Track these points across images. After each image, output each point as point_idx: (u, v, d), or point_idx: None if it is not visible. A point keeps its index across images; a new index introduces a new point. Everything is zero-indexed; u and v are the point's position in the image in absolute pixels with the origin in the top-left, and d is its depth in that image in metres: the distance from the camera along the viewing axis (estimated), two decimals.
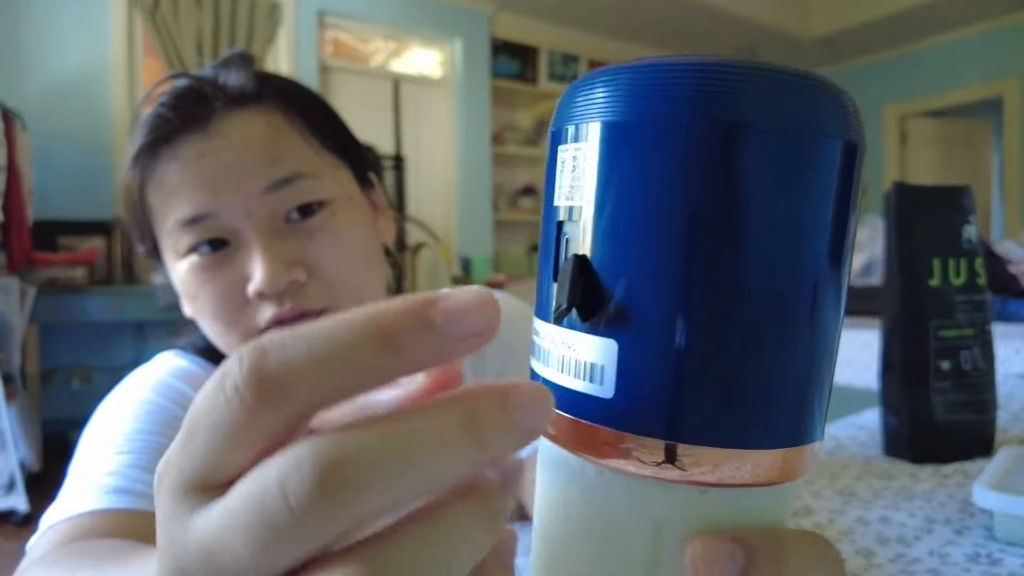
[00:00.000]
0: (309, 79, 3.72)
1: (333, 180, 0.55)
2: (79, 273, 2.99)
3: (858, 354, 1.37)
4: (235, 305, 0.52)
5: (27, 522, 2.28)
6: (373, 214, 0.60)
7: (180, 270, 0.53)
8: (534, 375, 0.21)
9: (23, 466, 2.40)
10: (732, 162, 0.17)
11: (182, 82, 0.55)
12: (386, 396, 0.17)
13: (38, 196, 2.91)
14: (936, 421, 0.65)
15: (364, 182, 0.60)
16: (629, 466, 0.18)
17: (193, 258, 0.52)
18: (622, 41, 5.05)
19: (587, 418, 0.19)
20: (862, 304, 1.28)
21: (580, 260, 0.19)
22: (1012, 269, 1.65)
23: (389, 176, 3.97)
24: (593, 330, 0.18)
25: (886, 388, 0.69)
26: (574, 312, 0.19)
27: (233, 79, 0.54)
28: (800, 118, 0.17)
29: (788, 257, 0.18)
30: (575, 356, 0.19)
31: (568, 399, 0.19)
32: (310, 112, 0.56)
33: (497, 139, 4.70)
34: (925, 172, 5.26)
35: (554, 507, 0.20)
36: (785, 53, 5.21)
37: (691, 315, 0.17)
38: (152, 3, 3.41)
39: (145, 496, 0.47)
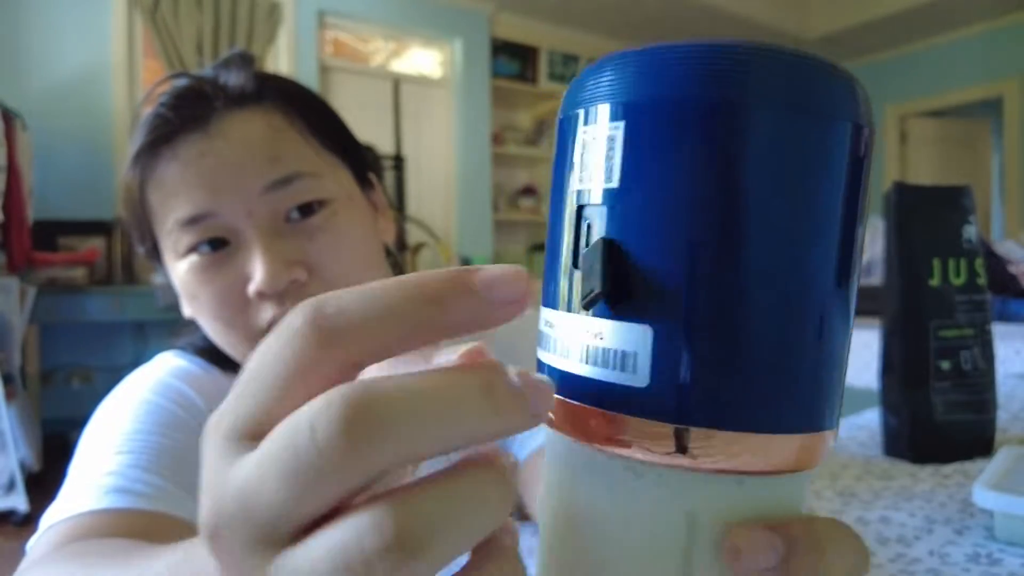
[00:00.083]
0: (309, 79, 3.72)
1: (333, 180, 0.55)
2: (79, 273, 2.99)
3: (858, 354, 1.37)
4: (235, 305, 0.52)
5: (27, 522, 2.28)
6: (373, 214, 0.60)
7: (180, 270, 0.53)
8: (545, 368, 0.20)
9: (23, 466, 2.40)
10: (771, 142, 0.17)
11: (182, 82, 0.55)
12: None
13: (38, 196, 2.91)
14: (936, 421, 0.65)
15: (364, 182, 0.60)
16: (663, 458, 0.18)
17: (193, 258, 0.52)
18: (622, 41, 5.05)
19: (616, 409, 0.18)
20: (862, 304, 1.28)
21: (610, 244, 0.18)
22: (1012, 269, 1.65)
23: (389, 176, 3.97)
24: (624, 316, 0.18)
25: (886, 388, 0.69)
26: (587, 301, 0.18)
27: (233, 79, 0.54)
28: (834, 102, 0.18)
29: (818, 234, 0.18)
30: (602, 345, 0.18)
31: (592, 391, 0.18)
32: (310, 112, 0.56)
33: (497, 139, 4.70)
34: (925, 172, 5.26)
35: (573, 507, 0.19)
36: None
37: (731, 296, 0.17)
38: (152, 3, 3.41)
39: (145, 496, 0.47)
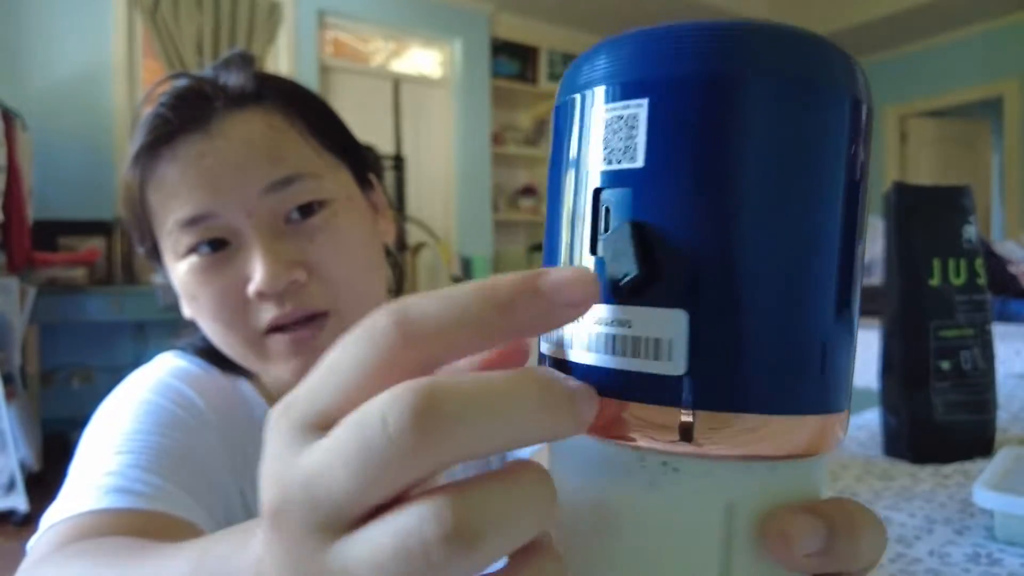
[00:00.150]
0: (309, 79, 3.72)
1: (333, 180, 0.55)
2: (79, 273, 2.99)
3: (858, 354, 1.37)
4: (235, 306, 0.52)
5: (27, 522, 2.28)
6: (373, 215, 0.60)
7: (180, 271, 0.53)
8: (547, 361, 0.20)
9: (23, 466, 2.40)
10: (797, 117, 0.17)
11: (182, 82, 0.55)
12: (463, 361, 0.20)
13: (38, 196, 2.91)
14: (936, 421, 0.65)
15: (364, 183, 0.60)
16: (705, 448, 0.17)
17: (193, 259, 0.52)
18: None
19: (651, 400, 0.17)
20: (862, 304, 1.28)
21: (639, 227, 0.17)
22: (1012, 269, 1.65)
23: (389, 176, 3.97)
24: (654, 302, 0.17)
25: (886, 388, 0.69)
26: (622, 286, 0.17)
27: (233, 79, 0.54)
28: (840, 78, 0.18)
29: (836, 207, 0.18)
30: (631, 333, 0.17)
31: (619, 384, 0.17)
32: (310, 112, 0.56)
33: (497, 139, 4.70)
34: (925, 172, 5.26)
35: (600, 511, 0.18)
36: None
37: (764, 274, 0.17)
38: (152, 4, 3.40)
39: (144, 496, 0.47)
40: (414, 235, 4.04)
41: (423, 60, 4.47)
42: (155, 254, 0.57)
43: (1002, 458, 0.53)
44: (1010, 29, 4.76)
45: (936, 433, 0.65)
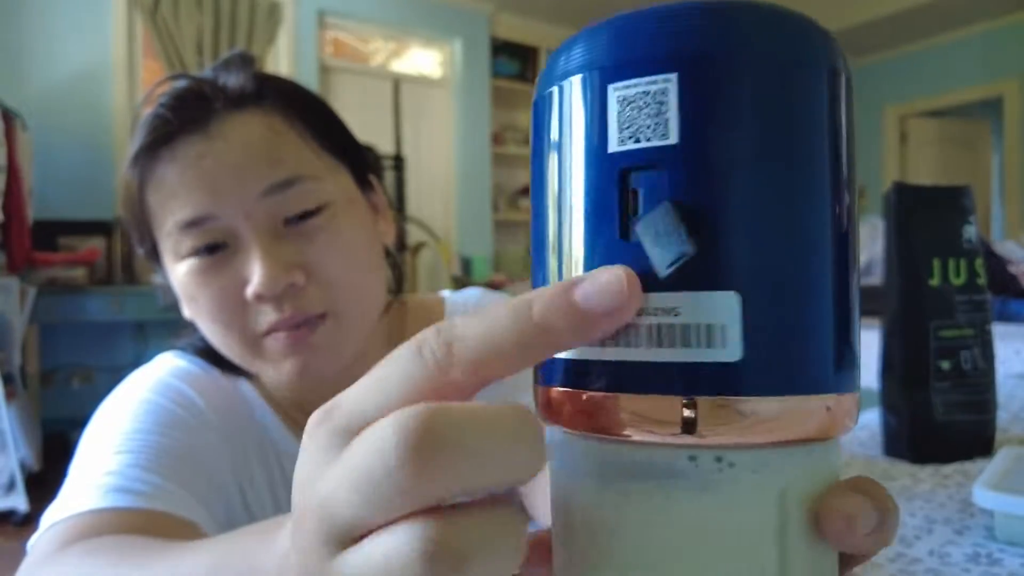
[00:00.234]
0: (309, 79, 3.72)
1: (333, 182, 0.55)
2: (79, 273, 2.99)
3: None
4: (234, 308, 0.52)
5: (27, 522, 2.28)
6: (373, 216, 0.60)
7: (179, 272, 0.53)
8: (561, 365, 0.18)
9: (23, 466, 2.40)
10: (832, 96, 0.17)
11: (182, 83, 0.55)
12: None
13: (38, 196, 2.91)
14: (936, 421, 0.65)
15: (364, 184, 0.60)
16: (762, 435, 0.16)
17: (192, 260, 0.52)
18: None
19: (705, 392, 0.16)
20: (862, 304, 1.28)
21: (679, 207, 0.16)
22: (1012, 269, 1.65)
23: (389, 176, 3.97)
24: (703, 284, 0.16)
25: (886, 388, 0.69)
26: (670, 270, 0.16)
27: (233, 80, 0.54)
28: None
29: (844, 180, 0.18)
30: (680, 321, 0.16)
31: (668, 378, 0.16)
32: (310, 114, 0.56)
33: (497, 139, 4.70)
34: (925, 172, 5.26)
35: (645, 523, 0.17)
36: None
37: (810, 250, 0.17)
38: (152, 4, 3.41)
39: (145, 495, 0.47)
40: (414, 235, 4.04)
41: (423, 60, 4.47)
42: (154, 254, 0.57)
43: (1002, 458, 0.53)
44: (1010, 29, 4.76)
45: (936, 433, 0.65)
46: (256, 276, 0.50)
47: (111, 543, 0.41)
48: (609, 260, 0.17)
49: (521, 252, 4.94)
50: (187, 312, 0.56)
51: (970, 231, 0.67)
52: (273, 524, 0.27)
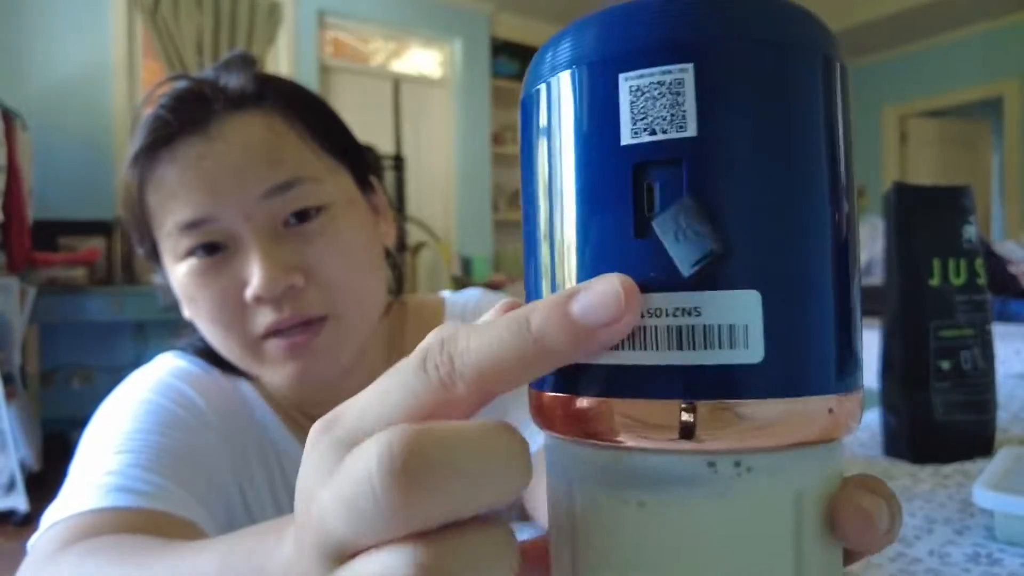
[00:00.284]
0: (309, 79, 3.72)
1: (333, 184, 0.55)
2: (79, 273, 2.99)
3: None
4: (233, 309, 0.52)
5: (27, 522, 2.28)
6: (373, 217, 0.60)
7: (179, 273, 0.53)
8: (584, 369, 0.17)
9: (23, 466, 2.40)
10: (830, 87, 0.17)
11: (182, 84, 0.55)
12: None
13: (38, 196, 2.91)
14: (936, 421, 0.65)
15: (365, 185, 0.60)
16: (781, 436, 0.16)
17: (191, 261, 0.52)
18: None
19: (728, 395, 0.15)
20: (862, 304, 1.28)
21: (701, 202, 0.16)
22: (1012, 269, 1.65)
23: (389, 176, 3.97)
24: (725, 284, 0.15)
25: (886, 388, 0.69)
26: (694, 269, 0.16)
27: (233, 81, 0.54)
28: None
29: (851, 180, 0.18)
30: (702, 322, 0.15)
31: (685, 381, 0.16)
32: (311, 115, 0.56)
33: (497, 139, 4.70)
34: (925, 172, 5.26)
35: (657, 534, 0.16)
36: None
37: (826, 248, 0.16)
38: (152, 4, 3.40)
39: (145, 495, 0.47)
40: (414, 235, 4.04)
41: (423, 60, 4.47)
42: (154, 255, 0.57)
43: (1002, 458, 0.53)
44: (1010, 29, 4.76)
45: (936, 433, 0.65)
46: (255, 278, 0.50)
47: (112, 543, 0.41)
48: (622, 259, 0.16)
49: (521, 252, 4.94)
50: (187, 313, 0.56)
51: (970, 231, 0.67)
52: (275, 526, 0.27)
